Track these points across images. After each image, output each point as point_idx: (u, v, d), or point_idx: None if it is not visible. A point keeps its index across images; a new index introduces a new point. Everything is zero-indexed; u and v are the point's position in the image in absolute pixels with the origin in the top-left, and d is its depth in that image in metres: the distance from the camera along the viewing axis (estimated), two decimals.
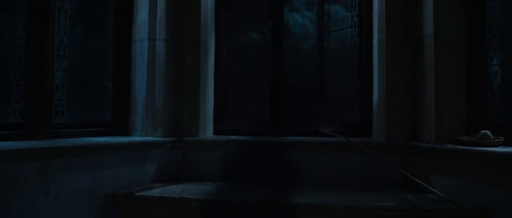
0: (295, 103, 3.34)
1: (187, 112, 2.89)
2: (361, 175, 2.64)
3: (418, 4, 2.61)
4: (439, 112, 2.47)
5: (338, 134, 2.74)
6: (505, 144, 2.21)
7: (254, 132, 3.05)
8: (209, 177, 2.77)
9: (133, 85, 2.85)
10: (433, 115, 2.48)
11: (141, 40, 2.82)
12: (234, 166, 2.79)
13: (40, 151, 2.09)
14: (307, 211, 2.23)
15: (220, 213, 2.33)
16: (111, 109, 2.85)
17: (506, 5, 2.44)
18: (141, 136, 2.78)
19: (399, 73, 2.67)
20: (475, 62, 2.49)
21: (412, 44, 2.64)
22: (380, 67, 2.72)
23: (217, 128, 3.11)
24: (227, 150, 2.83)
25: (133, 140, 2.67)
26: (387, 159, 2.57)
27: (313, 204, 2.23)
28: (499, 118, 2.43)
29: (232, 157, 2.80)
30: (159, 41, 2.79)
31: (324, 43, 3.21)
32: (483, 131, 2.24)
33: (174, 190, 2.48)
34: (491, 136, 2.21)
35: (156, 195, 2.38)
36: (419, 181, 2.38)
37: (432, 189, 2.33)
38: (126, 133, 2.85)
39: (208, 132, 3.02)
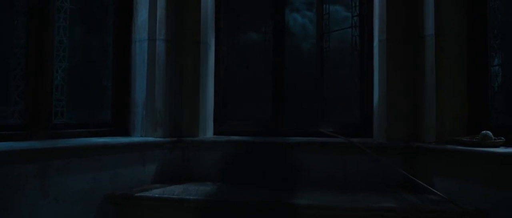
0: (295, 104, 3.33)
1: (187, 112, 2.88)
2: (362, 176, 2.64)
3: (419, 4, 2.61)
4: (440, 112, 2.47)
5: (339, 135, 2.74)
6: (506, 145, 2.20)
7: (254, 132, 3.05)
8: (209, 177, 2.77)
9: (133, 85, 2.84)
10: (434, 115, 2.47)
11: (141, 41, 2.82)
12: (234, 167, 2.79)
13: (40, 152, 2.09)
14: (308, 213, 2.22)
15: (220, 214, 2.33)
16: (111, 109, 2.84)
17: (507, 5, 2.43)
18: (141, 136, 2.77)
19: (399, 73, 2.66)
20: (476, 62, 2.48)
21: (413, 44, 2.64)
22: (381, 68, 2.71)
23: (217, 128, 3.10)
24: (227, 150, 2.82)
25: (133, 140, 2.67)
26: (387, 159, 2.56)
27: (313, 205, 2.22)
28: (500, 118, 2.42)
29: (232, 158, 2.80)
30: (159, 41, 2.78)
31: (324, 43, 3.21)
32: (484, 131, 2.23)
33: (174, 191, 2.47)
34: (492, 136, 2.21)
35: (156, 195, 2.38)
36: (420, 182, 2.37)
37: (433, 190, 2.32)
38: (126, 133, 2.84)
39: (208, 132, 3.01)
